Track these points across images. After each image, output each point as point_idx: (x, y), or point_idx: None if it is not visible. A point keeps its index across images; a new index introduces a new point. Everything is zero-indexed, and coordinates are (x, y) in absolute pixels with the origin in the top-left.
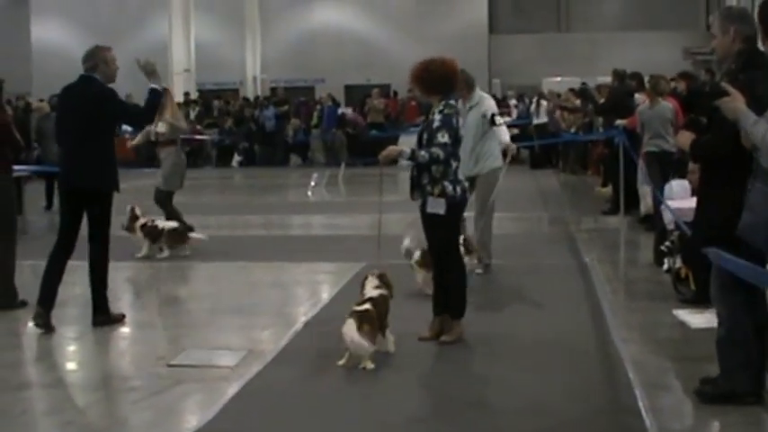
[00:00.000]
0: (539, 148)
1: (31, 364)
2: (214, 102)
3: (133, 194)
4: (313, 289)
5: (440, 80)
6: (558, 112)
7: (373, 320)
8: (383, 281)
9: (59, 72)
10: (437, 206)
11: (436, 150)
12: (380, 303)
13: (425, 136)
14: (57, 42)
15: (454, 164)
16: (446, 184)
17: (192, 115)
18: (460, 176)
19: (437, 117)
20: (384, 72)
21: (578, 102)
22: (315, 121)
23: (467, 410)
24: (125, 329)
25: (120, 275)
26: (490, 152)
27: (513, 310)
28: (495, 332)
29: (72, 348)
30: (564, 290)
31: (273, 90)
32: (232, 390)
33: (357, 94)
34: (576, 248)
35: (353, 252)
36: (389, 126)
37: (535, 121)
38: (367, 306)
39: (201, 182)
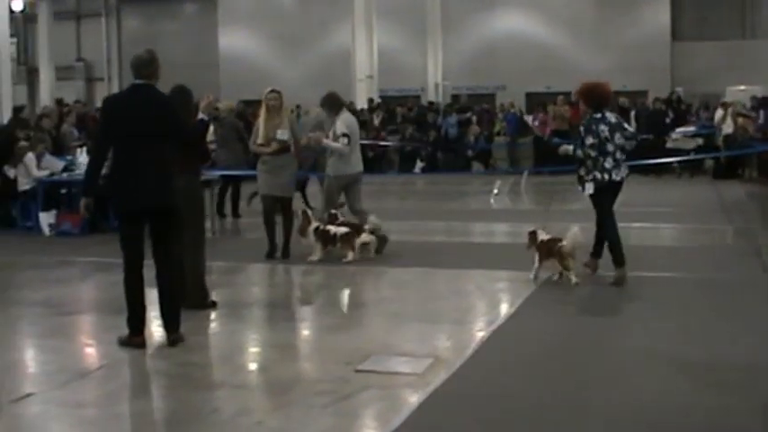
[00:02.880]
0: (724, 158)
1: (221, 365)
2: (397, 108)
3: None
4: (497, 297)
5: (596, 98)
6: (740, 120)
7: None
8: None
9: (246, 79)
10: (589, 189)
11: (587, 150)
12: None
13: (578, 139)
14: (243, 50)
15: (601, 158)
16: (596, 173)
17: (376, 121)
18: (608, 166)
19: (582, 127)
20: (565, 79)
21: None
22: (497, 128)
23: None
24: (310, 332)
25: (300, 279)
26: (333, 160)
27: (690, 324)
28: (669, 346)
29: (259, 350)
30: (746, 305)
31: (455, 97)
32: (419, 398)
33: (538, 102)
34: (765, 262)
35: None
36: (573, 133)
37: (724, 131)
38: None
39: (384, 187)
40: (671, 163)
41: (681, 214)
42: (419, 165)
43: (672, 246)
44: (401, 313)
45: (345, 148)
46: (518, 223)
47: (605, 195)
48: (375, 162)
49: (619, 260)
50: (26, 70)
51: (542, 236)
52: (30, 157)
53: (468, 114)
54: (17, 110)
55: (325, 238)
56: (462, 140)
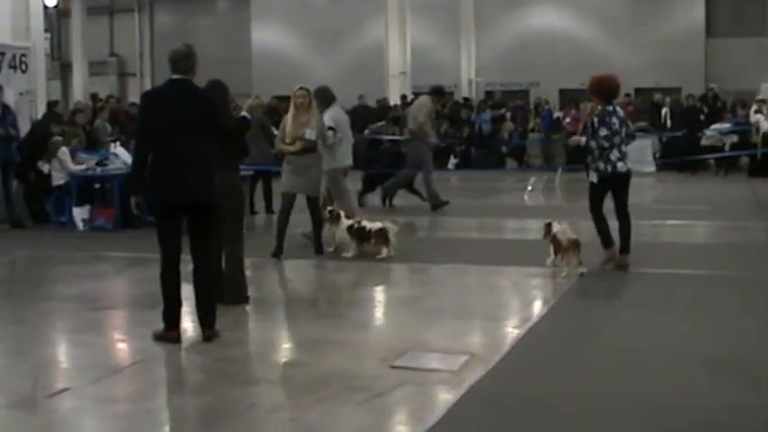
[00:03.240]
0: (760, 155)
1: (257, 361)
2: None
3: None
4: (532, 294)
5: (606, 90)
6: None
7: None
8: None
9: (278, 74)
10: (593, 177)
11: (601, 141)
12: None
13: (590, 130)
14: (276, 45)
15: (608, 150)
16: (600, 163)
17: None
18: (613, 158)
19: (596, 118)
20: None
21: None
22: (531, 124)
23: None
24: (345, 328)
25: (334, 275)
26: (331, 155)
27: (722, 321)
28: (702, 344)
29: (295, 345)
30: None
31: (488, 93)
32: (455, 395)
33: (572, 98)
34: None
35: None
36: None
37: (763, 129)
38: None
39: (418, 184)
40: (706, 160)
41: (715, 211)
42: (453, 161)
43: (705, 243)
44: (436, 310)
45: (330, 141)
46: (551, 220)
47: (605, 187)
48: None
49: (607, 243)
50: (59, 65)
51: (556, 228)
52: (63, 151)
53: (503, 111)
54: (51, 105)
55: (360, 234)
56: (496, 137)
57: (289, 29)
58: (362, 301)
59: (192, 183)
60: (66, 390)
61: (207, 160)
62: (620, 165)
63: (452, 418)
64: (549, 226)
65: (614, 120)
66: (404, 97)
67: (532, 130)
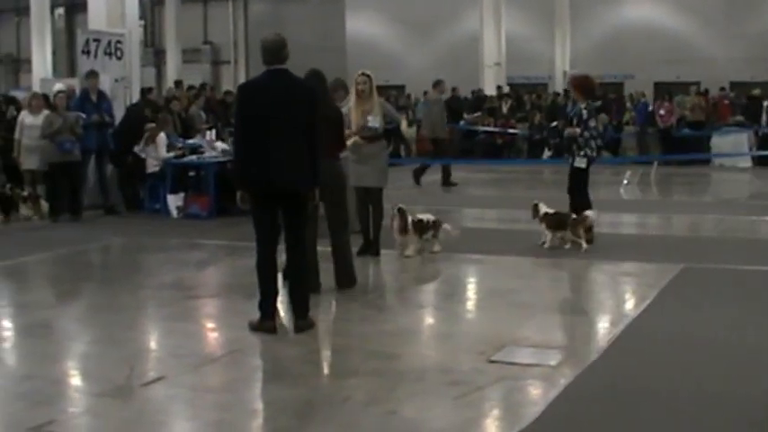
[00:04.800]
0: None
1: (352, 352)
2: (525, 96)
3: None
4: (628, 289)
5: (590, 88)
6: None
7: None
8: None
9: (373, 64)
10: (581, 163)
11: (593, 131)
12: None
13: (575, 120)
14: (371, 35)
15: (593, 138)
16: (587, 150)
17: (504, 108)
18: (593, 146)
19: (585, 111)
20: (694, 69)
21: None
22: (626, 117)
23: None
24: (439, 321)
25: (424, 268)
26: None
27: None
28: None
29: (389, 337)
30: None
31: None
32: (554, 391)
33: (667, 92)
34: None
35: (669, 253)
36: (707, 124)
37: None
38: None
39: (511, 175)
40: None
41: None
42: (547, 153)
43: None
44: (530, 303)
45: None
46: (646, 214)
47: (588, 171)
48: (503, 150)
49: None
50: (153, 52)
51: (544, 209)
52: (162, 137)
53: (598, 103)
54: (145, 91)
55: (420, 227)
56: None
57: (384, 18)
58: (457, 293)
59: (289, 172)
60: (161, 378)
61: (305, 150)
62: (596, 152)
63: (552, 414)
64: (536, 207)
65: (595, 113)
66: (499, 88)
67: (627, 123)
